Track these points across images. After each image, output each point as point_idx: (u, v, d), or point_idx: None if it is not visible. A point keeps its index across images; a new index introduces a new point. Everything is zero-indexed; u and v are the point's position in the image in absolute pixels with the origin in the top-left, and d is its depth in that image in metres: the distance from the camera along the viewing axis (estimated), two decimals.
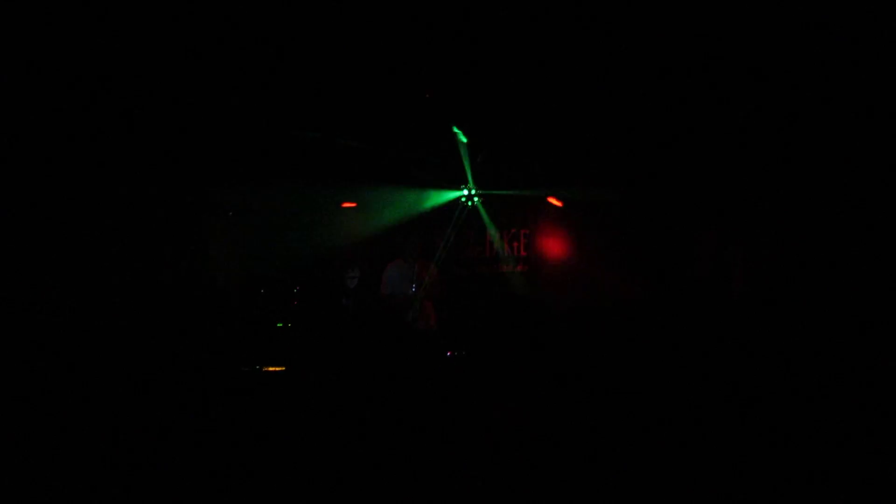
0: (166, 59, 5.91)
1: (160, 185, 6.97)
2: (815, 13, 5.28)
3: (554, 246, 8.61)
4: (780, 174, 6.53)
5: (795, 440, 3.22)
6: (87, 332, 4.87)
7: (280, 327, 7.13)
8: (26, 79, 5.39)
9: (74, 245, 5.77)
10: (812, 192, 6.27)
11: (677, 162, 7.29)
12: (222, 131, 7.16)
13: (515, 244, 8.91)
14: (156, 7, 5.35)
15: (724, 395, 3.96)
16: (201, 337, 6.31)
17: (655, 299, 7.04)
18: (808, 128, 6.11)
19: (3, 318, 4.63)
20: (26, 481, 3.14)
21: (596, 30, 5.95)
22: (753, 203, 6.84)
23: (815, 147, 6.13)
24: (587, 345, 4.35)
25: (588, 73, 6.54)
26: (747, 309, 6.36)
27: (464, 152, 7.95)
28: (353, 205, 8.67)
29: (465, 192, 8.41)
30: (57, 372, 4.01)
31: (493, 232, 8.66)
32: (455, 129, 7.65)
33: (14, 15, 4.99)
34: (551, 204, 8.56)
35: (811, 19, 5.33)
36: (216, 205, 7.87)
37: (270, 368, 5.38)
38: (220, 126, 7.06)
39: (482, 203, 8.43)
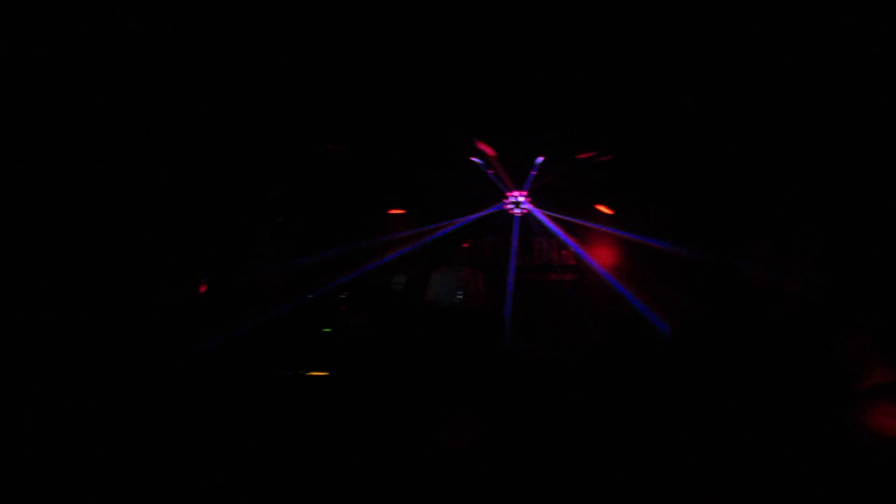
0: (221, 63, 5.99)
1: (212, 190, 7.08)
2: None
3: (603, 254, 8.46)
4: (838, 180, 6.28)
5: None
6: (134, 332, 4.96)
7: (326, 332, 7.16)
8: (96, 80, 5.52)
9: (126, 246, 5.88)
10: (870, 197, 6.01)
11: (731, 169, 7.09)
12: (274, 135, 7.25)
13: (564, 252, 8.79)
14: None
15: (785, 409, 3.77)
16: (248, 341, 6.37)
17: (708, 309, 6.84)
18: (866, 133, 5.87)
19: (57, 317, 4.74)
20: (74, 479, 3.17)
21: (649, 36, 5.82)
22: (810, 210, 6.61)
23: (874, 152, 5.88)
24: (636, 357, 4.21)
25: (641, 78, 6.41)
26: (805, 319, 6.11)
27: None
28: (402, 211, 8.69)
29: (514, 199, 8.36)
30: (104, 372, 4.07)
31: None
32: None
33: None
34: (601, 211, 8.44)
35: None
36: (266, 210, 7.97)
37: (314, 374, 5.38)
38: (272, 130, 7.15)
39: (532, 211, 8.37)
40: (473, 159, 8.21)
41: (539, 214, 8.52)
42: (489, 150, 8.04)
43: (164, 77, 5.78)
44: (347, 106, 6.79)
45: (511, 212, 8.47)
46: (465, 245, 7.17)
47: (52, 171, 5.31)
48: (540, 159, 8.18)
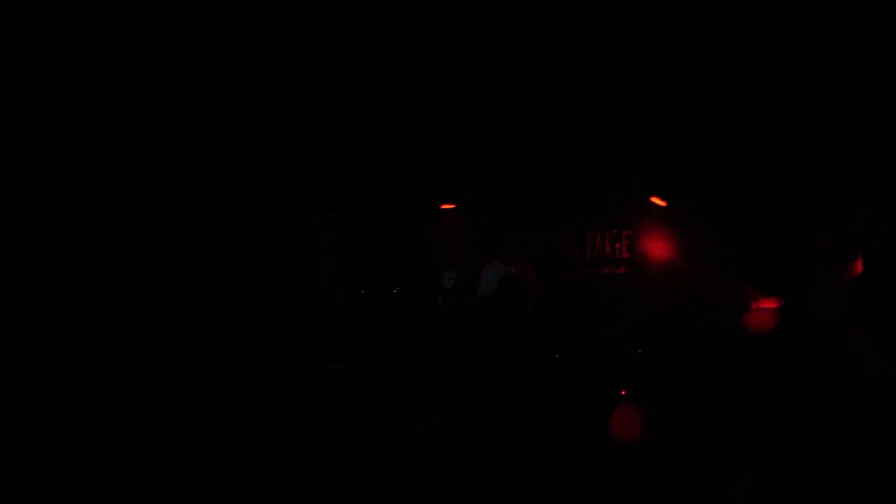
0: (273, 61, 6.10)
1: (268, 186, 7.22)
2: None
3: (658, 247, 8.32)
4: None
5: None
6: (190, 329, 5.10)
7: (378, 326, 7.24)
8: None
9: (183, 242, 6.04)
10: None
11: (790, 160, 6.90)
12: (328, 133, 7.36)
13: (618, 245, 8.69)
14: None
15: (841, 409, 3.66)
16: (304, 336, 6.49)
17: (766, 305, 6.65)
18: None
19: (116, 316, 4.91)
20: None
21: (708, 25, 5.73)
22: (875, 203, 6.36)
23: None
24: (692, 352, 4.13)
25: (696, 67, 6.30)
26: (868, 317, 5.91)
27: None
28: (453, 206, 8.71)
29: (567, 193, 8.31)
30: (162, 370, 4.21)
31: None
32: None
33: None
34: (655, 203, 8.30)
35: None
36: (320, 206, 8.09)
37: (365, 367, 5.47)
38: (326, 128, 7.26)
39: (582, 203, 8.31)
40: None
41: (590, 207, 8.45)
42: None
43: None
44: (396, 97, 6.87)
45: (563, 204, 8.42)
46: (515, 245, 7.16)
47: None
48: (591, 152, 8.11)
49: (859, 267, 5.57)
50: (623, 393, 4.60)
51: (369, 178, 8.01)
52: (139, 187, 5.70)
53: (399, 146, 7.69)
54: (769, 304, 3.36)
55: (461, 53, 6.11)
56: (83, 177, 5.33)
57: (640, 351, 4.17)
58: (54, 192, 5.13)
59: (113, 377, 3.96)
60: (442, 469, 3.37)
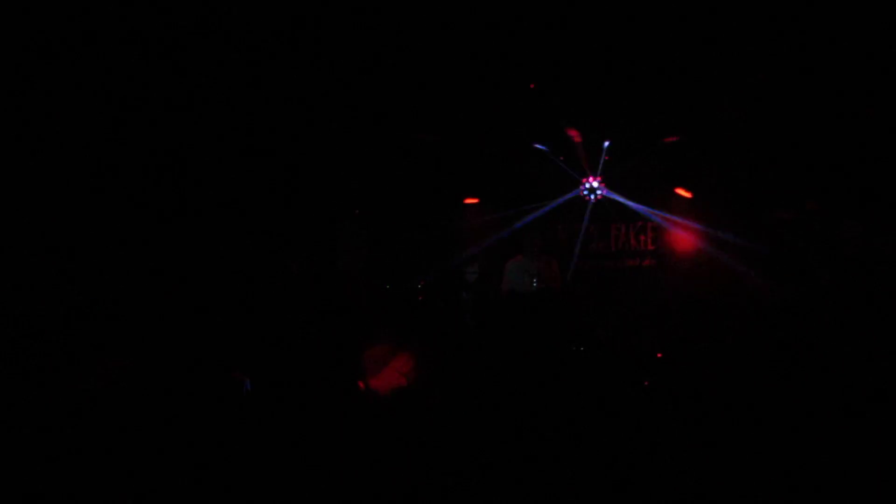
0: (296, 55, 6.16)
1: (294, 183, 7.30)
2: None
3: (683, 239, 8.26)
4: None
5: None
6: (213, 325, 5.18)
7: (404, 320, 7.29)
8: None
9: (207, 239, 6.14)
10: None
11: (817, 146, 6.80)
12: (349, 129, 7.42)
13: (643, 237, 8.64)
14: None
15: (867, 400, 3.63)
16: (329, 330, 6.56)
17: (794, 294, 6.60)
18: None
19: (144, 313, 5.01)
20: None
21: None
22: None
23: None
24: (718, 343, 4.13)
25: (721, 52, 6.24)
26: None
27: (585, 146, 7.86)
28: (476, 200, 8.74)
29: (589, 185, 8.28)
30: (183, 366, 4.27)
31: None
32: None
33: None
34: (680, 195, 8.24)
35: None
36: (345, 202, 8.17)
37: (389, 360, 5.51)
38: (347, 124, 7.32)
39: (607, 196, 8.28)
40: (540, 146, 8.16)
41: (616, 199, 8.40)
42: (573, 135, 7.97)
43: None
44: (423, 94, 6.89)
45: (586, 198, 8.39)
46: (538, 239, 7.16)
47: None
48: (607, 143, 8.09)
49: None
50: (647, 384, 4.60)
51: (393, 174, 8.06)
52: (160, 184, 5.80)
53: (422, 141, 7.72)
54: None
55: (475, 47, 6.11)
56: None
57: (661, 346, 4.17)
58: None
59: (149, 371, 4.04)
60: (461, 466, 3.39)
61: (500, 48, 6.21)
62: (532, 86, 6.78)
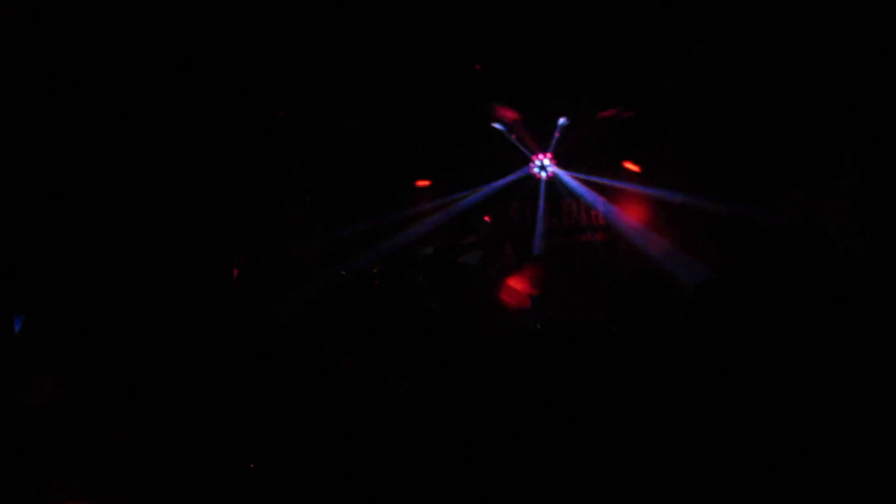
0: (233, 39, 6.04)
1: (242, 171, 7.18)
2: None
3: (633, 212, 8.37)
4: (874, 116, 6.09)
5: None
6: (162, 316, 5.10)
7: (359, 306, 7.25)
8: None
9: (159, 228, 6.01)
10: None
11: (761, 113, 6.91)
12: (298, 115, 7.31)
13: (593, 213, 8.72)
14: None
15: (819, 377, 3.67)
16: (286, 318, 6.50)
17: (740, 263, 6.73)
18: None
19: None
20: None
21: None
22: (843, 150, 6.42)
23: None
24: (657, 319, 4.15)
25: (664, 28, 6.28)
26: (844, 274, 5.98)
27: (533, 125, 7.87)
28: (428, 183, 8.70)
29: (539, 163, 8.31)
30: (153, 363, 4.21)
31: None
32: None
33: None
34: (628, 169, 8.34)
35: None
36: (295, 188, 8.06)
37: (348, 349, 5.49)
38: (296, 110, 7.21)
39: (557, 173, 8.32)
40: (496, 125, 8.16)
41: (565, 176, 8.45)
42: (512, 114, 7.97)
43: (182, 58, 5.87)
44: (366, 77, 6.80)
45: (537, 176, 8.42)
46: (487, 218, 7.18)
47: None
48: (563, 120, 8.10)
49: None
50: (602, 362, 4.65)
51: (343, 159, 7.97)
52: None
53: (372, 125, 7.65)
54: None
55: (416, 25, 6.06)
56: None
57: (614, 323, 4.19)
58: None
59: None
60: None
61: (442, 25, 6.15)
62: (478, 67, 6.74)
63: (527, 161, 8.36)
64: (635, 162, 8.27)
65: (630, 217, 8.37)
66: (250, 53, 6.17)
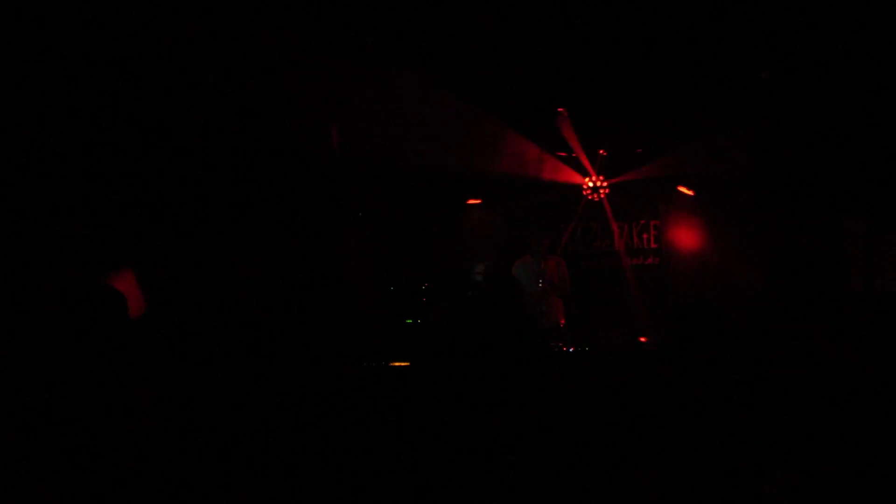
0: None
1: (295, 184, 7.31)
2: None
3: (686, 237, 8.28)
4: None
5: None
6: (219, 327, 5.20)
7: (409, 323, 7.32)
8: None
9: (213, 240, 6.14)
10: None
11: (821, 142, 6.79)
12: (351, 131, 7.43)
13: (645, 236, 8.66)
14: None
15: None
16: (332, 333, 6.59)
17: (797, 294, 6.61)
18: None
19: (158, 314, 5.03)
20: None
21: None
22: None
23: None
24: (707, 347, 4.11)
25: (719, 50, 6.23)
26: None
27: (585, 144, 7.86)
28: (479, 201, 8.76)
29: (591, 184, 8.28)
30: (185, 368, 4.29)
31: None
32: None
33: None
34: (682, 193, 8.26)
35: None
36: (347, 204, 8.18)
37: (396, 364, 5.54)
38: (349, 126, 7.32)
39: (608, 195, 8.27)
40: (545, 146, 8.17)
41: (617, 198, 8.42)
42: (568, 135, 7.97)
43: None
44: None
45: (590, 197, 8.40)
46: (546, 239, 7.17)
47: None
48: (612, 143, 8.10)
49: None
50: (651, 384, 4.61)
51: (397, 175, 8.07)
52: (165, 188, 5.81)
53: (425, 141, 7.72)
54: None
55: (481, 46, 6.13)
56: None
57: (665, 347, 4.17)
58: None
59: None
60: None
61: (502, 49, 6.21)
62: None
63: (579, 182, 8.35)
64: (689, 187, 8.19)
65: (682, 240, 8.29)
66: (310, 69, 6.32)
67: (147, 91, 5.58)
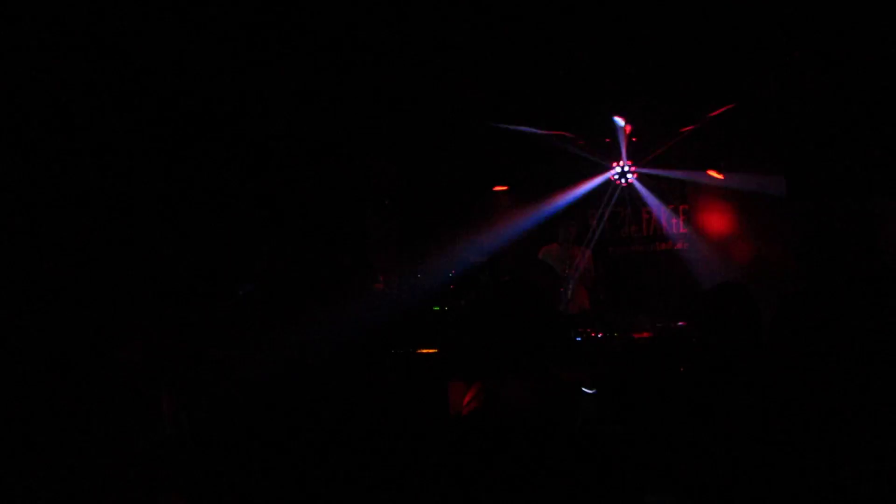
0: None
1: (323, 175, 7.35)
2: None
3: (716, 222, 8.15)
4: None
5: None
6: (251, 317, 5.27)
7: (436, 311, 7.33)
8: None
9: (242, 233, 6.22)
10: None
11: (856, 122, 6.63)
12: (382, 122, 7.44)
13: (674, 220, 8.55)
14: None
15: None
16: (361, 321, 6.62)
17: (829, 280, 6.48)
18: None
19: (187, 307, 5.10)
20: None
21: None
22: None
23: None
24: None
25: (753, 35, 6.13)
26: None
27: (617, 128, 7.76)
28: (505, 188, 8.72)
29: (619, 169, 8.20)
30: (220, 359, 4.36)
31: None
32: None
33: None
34: (712, 177, 8.13)
35: None
36: (375, 192, 8.21)
37: (424, 350, 5.57)
38: (380, 117, 7.34)
39: (638, 179, 8.18)
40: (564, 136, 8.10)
41: (644, 184, 8.32)
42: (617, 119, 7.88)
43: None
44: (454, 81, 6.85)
45: (617, 182, 8.32)
46: (573, 228, 7.13)
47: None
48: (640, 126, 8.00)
49: None
50: (682, 370, 4.58)
51: (421, 164, 8.07)
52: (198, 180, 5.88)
53: (448, 130, 7.72)
54: None
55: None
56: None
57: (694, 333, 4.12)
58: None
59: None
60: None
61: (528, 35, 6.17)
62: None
63: (606, 167, 8.26)
64: (719, 171, 8.06)
65: (711, 225, 8.17)
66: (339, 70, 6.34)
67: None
